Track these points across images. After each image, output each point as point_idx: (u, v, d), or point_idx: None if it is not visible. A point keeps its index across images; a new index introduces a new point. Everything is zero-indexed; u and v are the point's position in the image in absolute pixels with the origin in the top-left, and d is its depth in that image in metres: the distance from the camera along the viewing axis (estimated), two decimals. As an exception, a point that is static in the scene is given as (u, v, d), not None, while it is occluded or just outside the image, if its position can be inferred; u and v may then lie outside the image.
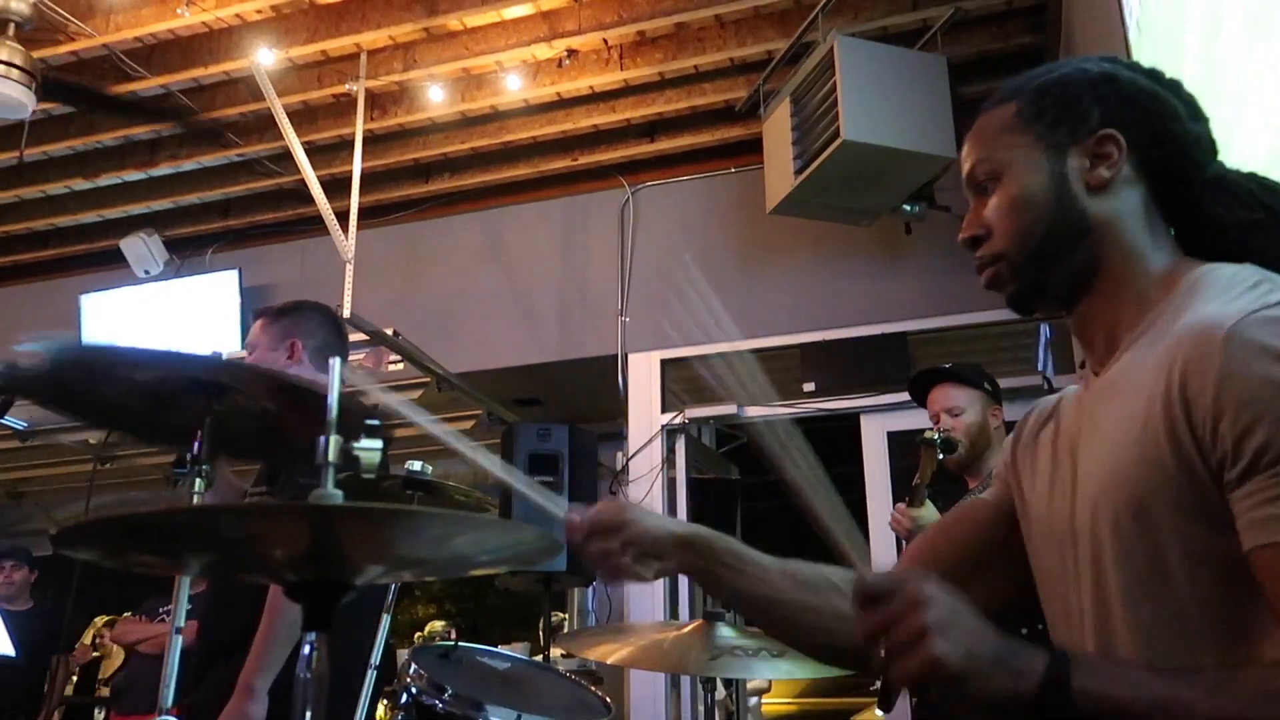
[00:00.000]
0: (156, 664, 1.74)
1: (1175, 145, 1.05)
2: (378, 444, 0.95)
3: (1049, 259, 1.06)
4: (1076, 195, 1.05)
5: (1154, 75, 1.09)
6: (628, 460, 4.77)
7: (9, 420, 5.22)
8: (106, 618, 5.84)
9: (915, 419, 4.47)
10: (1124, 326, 1.04)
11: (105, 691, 5.51)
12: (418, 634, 6.60)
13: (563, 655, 3.92)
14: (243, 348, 2.54)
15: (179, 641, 1.70)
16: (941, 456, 2.55)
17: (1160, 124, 1.05)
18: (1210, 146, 1.07)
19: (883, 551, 4.16)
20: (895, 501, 2.98)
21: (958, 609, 0.86)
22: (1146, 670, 0.88)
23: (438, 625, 6.68)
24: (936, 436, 2.57)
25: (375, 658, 2.17)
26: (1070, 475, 1.07)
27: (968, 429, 2.56)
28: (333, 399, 0.91)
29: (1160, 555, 0.93)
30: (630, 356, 4.94)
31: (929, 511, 2.54)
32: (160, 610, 4.86)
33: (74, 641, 5.51)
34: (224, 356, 3.62)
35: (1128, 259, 1.04)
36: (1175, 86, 1.08)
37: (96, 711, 5.60)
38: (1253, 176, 1.07)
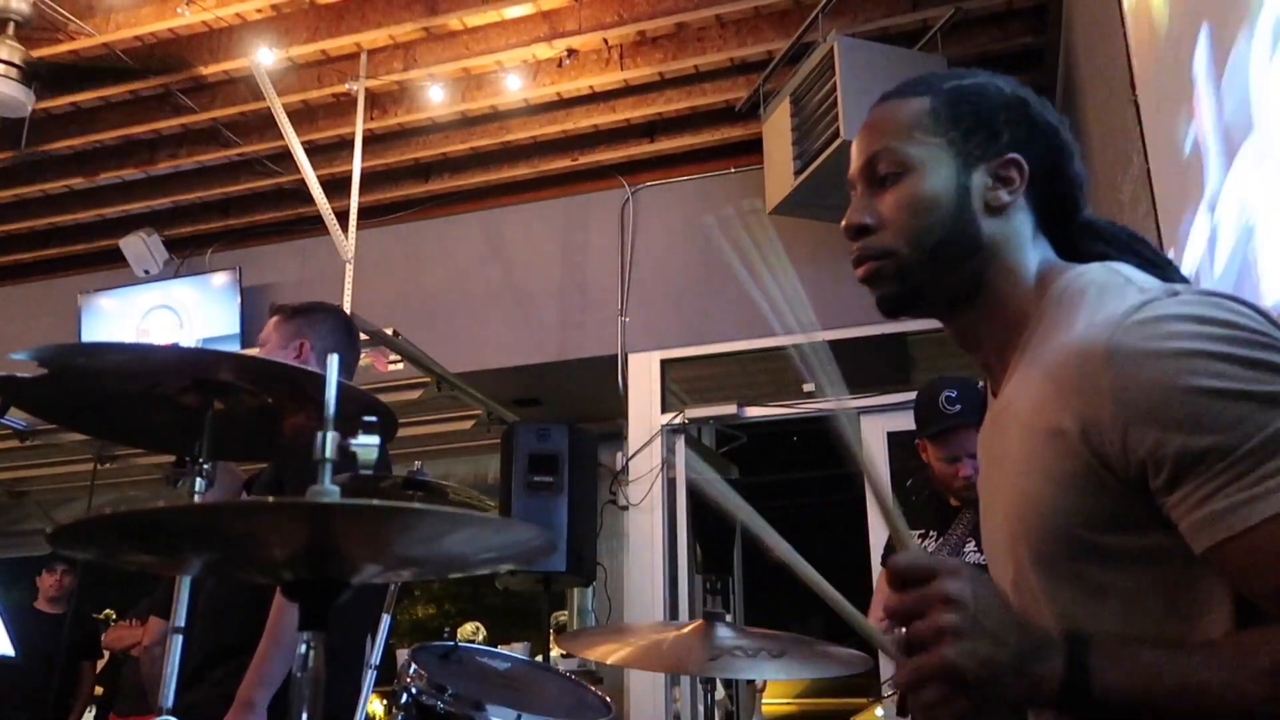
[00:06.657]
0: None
1: (1065, 183, 1.07)
2: (375, 440, 0.94)
3: (938, 268, 1.04)
4: (975, 212, 1.04)
5: (1053, 109, 1.10)
6: (627, 460, 4.76)
7: (9, 420, 5.22)
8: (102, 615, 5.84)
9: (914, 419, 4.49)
10: (1010, 347, 1.05)
11: (97, 690, 5.52)
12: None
13: (563, 655, 3.92)
14: (242, 346, 2.54)
15: (179, 642, 1.69)
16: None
17: (1059, 159, 1.06)
18: (1085, 190, 1.09)
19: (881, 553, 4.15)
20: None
21: (983, 611, 0.84)
22: (1165, 651, 0.87)
23: (468, 628, 6.87)
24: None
25: (375, 657, 2.17)
26: (989, 502, 1.08)
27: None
28: (330, 394, 0.90)
29: (1092, 574, 0.93)
30: (630, 356, 4.93)
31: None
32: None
33: (97, 643, 5.49)
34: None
35: (1012, 281, 1.04)
36: (1069, 126, 1.09)
37: (87, 711, 5.59)
38: (1117, 224, 1.09)
